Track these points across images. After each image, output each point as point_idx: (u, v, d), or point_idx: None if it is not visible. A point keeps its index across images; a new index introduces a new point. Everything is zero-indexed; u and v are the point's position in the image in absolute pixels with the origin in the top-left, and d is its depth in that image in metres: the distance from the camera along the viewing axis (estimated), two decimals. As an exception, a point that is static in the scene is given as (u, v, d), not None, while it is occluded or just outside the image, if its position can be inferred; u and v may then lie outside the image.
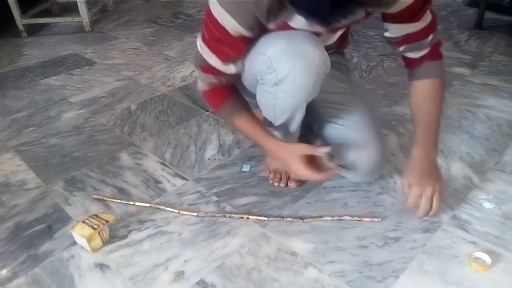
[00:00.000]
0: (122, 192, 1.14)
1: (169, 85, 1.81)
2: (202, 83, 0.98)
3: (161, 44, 2.33)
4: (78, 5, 2.52)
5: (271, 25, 0.84)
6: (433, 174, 0.97)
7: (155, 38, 2.43)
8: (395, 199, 1.07)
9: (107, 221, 0.95)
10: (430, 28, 0.92)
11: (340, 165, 1.06)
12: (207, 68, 0.93)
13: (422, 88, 0.97)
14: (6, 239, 1.00)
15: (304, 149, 0.94)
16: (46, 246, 0.97)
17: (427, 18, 0.91)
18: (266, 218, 1.01)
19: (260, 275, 0.87)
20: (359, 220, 1.00)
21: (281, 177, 1.12)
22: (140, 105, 1.64)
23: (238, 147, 1.33)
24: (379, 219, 0.99)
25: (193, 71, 1.91)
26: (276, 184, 1.13)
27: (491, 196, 1.07)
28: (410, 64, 0.99)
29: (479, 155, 1.24)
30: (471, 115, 1.46)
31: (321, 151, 0.93)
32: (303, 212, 1.04)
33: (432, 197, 0.95)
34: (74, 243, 0.97)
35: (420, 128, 0.98)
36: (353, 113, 1.05)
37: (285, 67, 0.85)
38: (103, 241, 0.95)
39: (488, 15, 2.43)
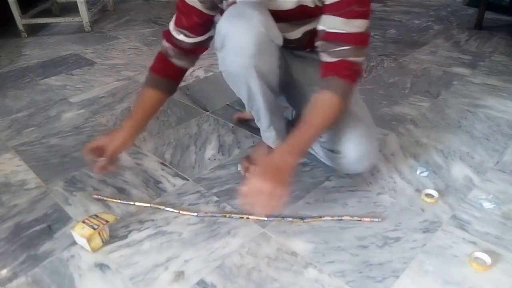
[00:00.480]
0: (122, 192, 1.14)
1: (169, 85, 1.81)
2: (161, 46, 1.09)
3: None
4: (78, 5, 2.52)
5: (223, 5, 0.97)
6: (277, 176, 0.87)
7: (155, 38, 2.43)
8: (395, 199, 1.07)
9: (107, 221, 0.95)
10: (355, 38, 0.90)
11: (329, 150, 1.06)
12: (166, 33, 1.06)
13: (319, 98, 0.93)
14: (6, 239, 1.00)
15: (100, 141, 1.06)
16: (46, 246, 0.97)
17: (356, 26, 0.89)
18: (266, 218, 1.01)
19: (260, 275, 0.87)
20: (359, 220, 1.00)
21: (250, 169, 1.15)
22: (140, 105, 1.64)
23: (238, 147, 1.33)
24: (379, 219, 0.99)
25: (193, 71, 1.91)
26: (245, 174, 1.17)
27: (491, 196, 1.07)
28: (323, 71, 0.95)
29: (479, 155, 1.24)
30: (471, 115, 1.46)
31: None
32: (303, 212, 1.04)
33: (266, 196, 0.85)
34: (74, 243, 0.97)
35: (295, 130, 0.92)
36: None
37: (226, 26, 0.91)
38: (103, 241, 0.95)
39: (488, 15, 2.43)
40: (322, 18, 0.92)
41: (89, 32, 2.62)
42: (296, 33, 1.03)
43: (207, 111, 1.57)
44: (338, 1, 0.87)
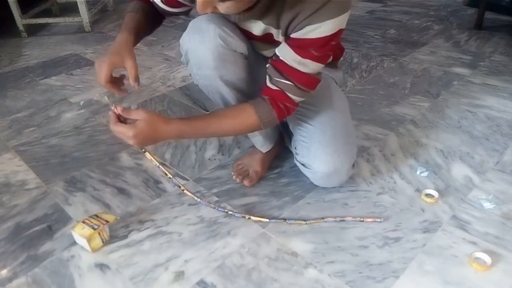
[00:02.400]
0: (122, 193, 1.14)
1: (169, 85, 1.81)
2: None
3: (161, 44, 2.33)
4: (78, 5, 2.52)
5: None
6: (146, 140, 0.88)
7: (155, 38, 2.43)
8: (395, 199, 1.07)
9: (107, 221, 0.95)
10: (301, 78, 0.89)
11: (301, 164, 1.06)
12: None
13: (243, 108, 0.93)
14: (6, 239, 1.00)
15: (122, 59, 0.90)
16: (46, 246, 0.97)
17: (308, 67, 0.87)
18: (268, 220, 1.00)
19: (260, 275, 0.87)
20: (362, 221, 1.00)
21: (241, 173, 1.16)
22: (140, 105, 1.64)
23: (238, 147, 1.33)
24: (382, 219, 0.99)
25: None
26: (234, 177, 1.16)
27: (491, 196, 1.07)
28: (262, 91, 0.94)
29: (479, 155, 1.24)
30: (471, 115, 1.46)
31: (132, 77, 0.90)
32: (303, 212, 1.04)
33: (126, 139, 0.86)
34: (74, 243, 0.97)
35: (202, 117, 0.95)
36: (322, 115, 1.04)
37: (185, 42, 0.94)
38: (103, 241, 0.95)
39: (488, 15, 2.43)
40: (281, 44, 0.90)
41: (89, 32, 2.62)
42: (268, 53, 1.03)
43: (207, 111, 1.57)
44: (300, 39, 0.85)
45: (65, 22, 2.72)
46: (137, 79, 0.92)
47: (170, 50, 2.25)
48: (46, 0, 2.87)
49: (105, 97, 0.89)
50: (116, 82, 0.94)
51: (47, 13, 2.81)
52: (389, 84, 1.75)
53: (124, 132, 0.85)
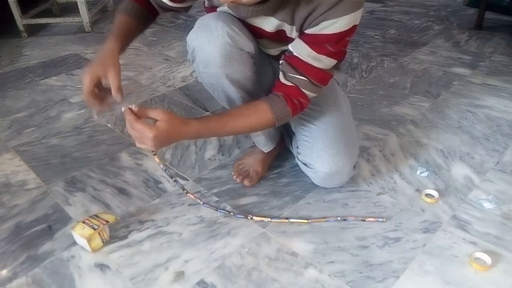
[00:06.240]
0: (122, 193, 1.14)
1: (169, 86, 1.81)
2: None
3: (161, 45, 2.33)
4: (78, 5, 2.52)
5: (206, 3, 1.00)
6: (164, 141, 0.86)
7: (155, 39, 2.43)
8: (395, 199, 1.07)
9: (107, 222, 0.95)
10: (316, 74, 0.90)
11: (303, 163, 1.06)
12: None
13: (258, 106, 0.92)
14: (6, 239, 1.00)
15: (92, 77, 0.83)
16: (46, 246, 0.97)
17: (322, 63, 0.88)
18: (270, 219, 1.00)
19: (260, 275, 0.87)
20: (364, 221, 1.00)
21: (241, 173, 1.16)
22: (140, 106, 1.64)
23: (238, 147, 1.33)
24: (384, 219, 0.99)
25: (193, 71, 1.91)
26: (235, 177, 1.16)
27: (491, 196, 1.07)
28: (275, 87, 0.94)
29: (479, 155, 1.24)
30: (471, 115, 1.46)
31: (114, 89, 0.84)
32: (303, 212, 1.04)
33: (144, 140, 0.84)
34: (74, 243, 0.97)
35: (218, 117, 0.93)
36: (325, 115, 1.04)
37: (192, 39, 0.92)
38: (103, 242, 0.95)
39: (488, 15, 2.43)
40: (295, 40, 0.90)
41: (89, 32, 2.62)
42: (275, 51, 1.04)
43: (207, 111, 1.57)
44: (315, 34, 0.85)
45: (65, 22, 2.71)
46: (119, 90, 0.85)
47: (170, 50, 2.24)
48: (46, 0, 2.88)
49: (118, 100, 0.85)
50: (105, 93, 0.87)
51: (47, 13, 2.81)
52: (389, 84, 1.75)
53: (144, 131, 0.82)
